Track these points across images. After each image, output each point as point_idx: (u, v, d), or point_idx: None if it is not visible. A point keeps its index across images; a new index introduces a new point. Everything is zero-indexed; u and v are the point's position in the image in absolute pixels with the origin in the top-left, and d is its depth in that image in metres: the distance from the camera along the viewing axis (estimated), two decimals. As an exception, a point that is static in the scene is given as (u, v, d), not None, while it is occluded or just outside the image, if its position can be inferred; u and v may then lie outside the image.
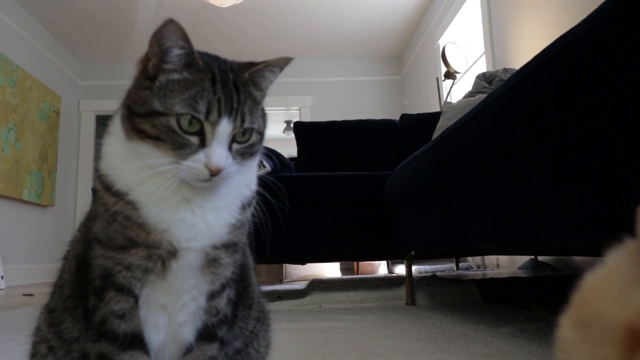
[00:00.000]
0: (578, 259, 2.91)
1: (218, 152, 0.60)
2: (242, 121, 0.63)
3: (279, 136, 8.49)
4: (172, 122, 0.59)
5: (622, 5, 0.76)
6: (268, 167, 2.36)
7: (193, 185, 0.62)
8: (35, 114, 5.16)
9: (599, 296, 0.30)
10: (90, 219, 0.68)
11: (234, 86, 0.63)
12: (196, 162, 0.60)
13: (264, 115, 0.68)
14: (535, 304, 1.84)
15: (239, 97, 0.63)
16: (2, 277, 4.13)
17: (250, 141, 0.65)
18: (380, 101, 6.50)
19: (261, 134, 0.67)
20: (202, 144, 0.60)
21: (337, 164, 3.09)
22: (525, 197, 1.09)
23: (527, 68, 1.05)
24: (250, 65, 0.67)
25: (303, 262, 3.43)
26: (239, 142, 0.63)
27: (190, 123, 0.60)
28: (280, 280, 4.32)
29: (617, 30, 0.77)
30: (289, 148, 5.15)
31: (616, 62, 0.77)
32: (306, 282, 3.40)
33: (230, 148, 0.62)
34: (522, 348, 1.20)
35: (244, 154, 0.64)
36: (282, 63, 0.68)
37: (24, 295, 3.28)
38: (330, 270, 4.91)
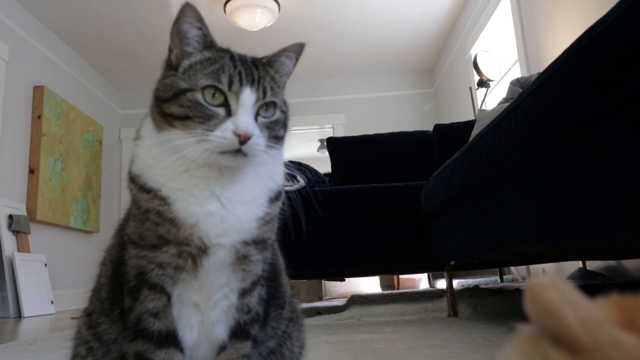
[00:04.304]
0: (631, 266, 2.78)
1: (244, 118, 0.62)
2: (264, 93, 0.65)
3: (313, 155, 8.55)
4: (198, 95, 0.62)
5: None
6: (302, 182, 2.37)
7: (222, 164, 0.63)
8: (79, 143, 5.38)
9: None
10: (123, 223, 0.70)
11: (253, 64, 0.67)
12: (224, 131, 0.61)
13: (286, 103, 0.70)
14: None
15: (258, 72, 0.66)
16: (52, 302, 4.27)
17: (275, 117, 0.67)
18: (414, 115, 6.46)
19: (284, 114, 0.69)
20: (228, 114, 0.63)
21: (371, 177, 3.07)
22: (567, 193, 1.05)
23: (557, 62, 1.03)
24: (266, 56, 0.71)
25: (342, 278, 3.41)
26: (264, 117, 0.66)
27: (214, 95, 0.62)
28: (320, 298, 4.29)
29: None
30: (323, 167, 5.18)
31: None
32: (345, 298, 3.37)
33: (256, 120, 0.64)
34: (570, 353, 1.15)
35: (270, 130, 0.66)
36: (297, 48, 0.71)
37: (72, 318, 3.38)
38: (370, 286, 4.85)
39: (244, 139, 0.61)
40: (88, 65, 5.81)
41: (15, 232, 4.15)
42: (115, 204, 6.23)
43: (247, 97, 0.63)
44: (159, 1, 4.59)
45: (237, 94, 0.63)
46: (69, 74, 5.39)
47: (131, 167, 0.67)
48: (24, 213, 4.38)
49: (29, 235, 4.30)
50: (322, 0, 4.78)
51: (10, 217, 4.12)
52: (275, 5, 4.51)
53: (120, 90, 6.57)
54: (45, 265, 4.39)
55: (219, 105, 0.62)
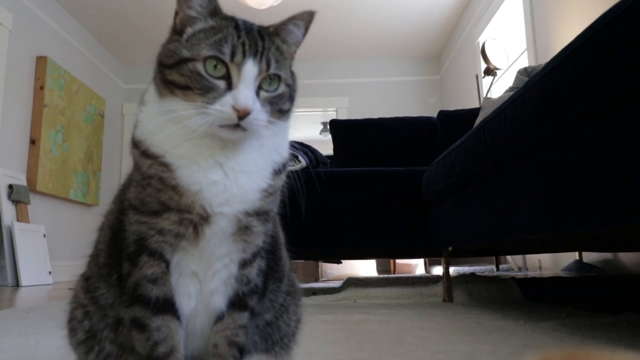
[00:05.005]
0: (627, 259, 2.79)
1: (245, 93, 0.61)
2: (268, 65, 0.63)
3: (315, 138, 8.52)
4: (199, 66, 0.61)
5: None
6: (304, 162, 2.36)
7: (222, 136, 0.62)
8: (81, 116, 5.36)
9: None
10: (124, 189, 0.70)
11: (258, 34, 0.65)
12: (223, 105, 0.60)
13: (293, 75, 0.68)
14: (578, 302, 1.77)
15: (263, 43, 0.64)
16: (50, 273, 4.30)
17: (279, 91, 0.65)
18: (419, 101, 6.43)
19: (290, 87, 0.67)
20: (229, 87, 0.61)
21: (373, 161, 3.06)
22: (572, 181, 1.05)
23: (569, 48, 1.02)
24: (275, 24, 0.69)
25: (339, 260, 3.42)
26: (266, 91, 0.64)
27: (216, 67, 0.61)
28: (316, 279, 4.32)
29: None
30: (325, 150, 5.18)
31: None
32: (341, 280, 3.39)
33: (257, 95, 0.63)
34: (563, 341, 1.16)
35: (273, 104, 0.65)
36: (306, 16, 0.69)
37: (70, 289, 3.40)
38: (367, 270, 4.88)
39: (242, 114, 0.60)
40: (92, 38, 5.76)
41: (15, 202, 4.15)
42: (116, 178, 6.23)
43: (249, 70, 0.62)
44: (166, -25, 4.54)
45: (240, 66, 0.61)
46: (73, 45, 5.35)
47: (134, 132, 0.66)
48: (24, 183, 4.38)
49: (28, 206, 4.31)
50: (331, -19, 4.72)
51: (10, 186, 4.12)
52: (283, -17, 4.46)
53: (124, 65, 6.53)
54: (44, 235, 4.41)
55: (220, 78, 0.61)
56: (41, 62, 4.71)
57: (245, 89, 0.61)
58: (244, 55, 0.62)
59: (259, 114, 0.62)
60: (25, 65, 4.57)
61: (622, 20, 0.83)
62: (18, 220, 4.11)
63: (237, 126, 0.61)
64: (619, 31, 0.84)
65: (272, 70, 0.64)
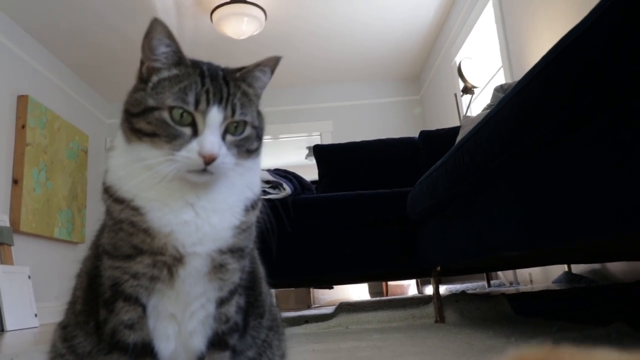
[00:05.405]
0: (615, 269, 2.81)
1: (210, 139, 0.61)
2: (233, 111, 0.64)
3: (301, 162, 8.54)
4: (165, 114, 0.62)
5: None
6: (288, 190, 2.37)
7: (190, 180, 0.62)
8: (64, 153, 5.32)
9: None
10: (99, 234, 0.70)
11: (223, 80, 0.65)
12: (190, 152, 0.61)
13: (260, 115, 0.69)
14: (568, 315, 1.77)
15: (229, 90, 0.65)
16: (35, 315, 4.20)
17: (245, 134, 0.66)
18: (401, 122, 6.49)
19: (256, 129, 0.68)
20: (195, 134, 0.62)
21: (358, 184, 3.07)
22: (544, 198, 1.06)
23: (535, 69, 1.04)
24: (242, 68, 0.69)
25: (330, 285, 3.39)
26: (232, 134, 0.65)
27: (182, 116, 0.62)
28: (309, 306, 4.28)
29: (626, 17, 0.75)
30: (312, 174, 5.18)
31: (630, 50, 0.75)
32: (334, 306, 3.36)
33: (224, 139, 0.64)
34: (554, 357, 1.15)
35: (240, 147, 0.65)
36: (272, 62, 0.71)
37: (57, 330, 3.32)
38: (359, 293, 4.84)
39: (209, 160, 0.61)
40: (73, 74, 5.77)
41: (-2, 244, 4.08)
42: (101, 213, 6.15)
43: (214, 117, 0.62)
44: (146, 10, 4.58)
45: (204, 113, 0.62)
46: (53, 82, 5.34)
47: (105, 178, 0.67)
48: (7, 224, 4.32)
49: (12, 247, 4.23)
50: (308, 8, 4.80)
51: (-7, 228, 4.06)
52: (261, 13, 4.52)
53: (106, 100, 6.53)
54: (29, 277, 4.32)
55: (187, 125, 0.62)
56: (22, 101, 4.70)
57: (211, 135, 0.62)
58: (208, 103, 0.63)
59: (226, 157, 0.63)
60: (6, 105, 4.54)
61: (581, 42, 0.86)
62: (2, 262, 4.03)
63: (204, 170, 0.61)
64: (580, 50, 0.86)
65: (237, 116, 0.65)
